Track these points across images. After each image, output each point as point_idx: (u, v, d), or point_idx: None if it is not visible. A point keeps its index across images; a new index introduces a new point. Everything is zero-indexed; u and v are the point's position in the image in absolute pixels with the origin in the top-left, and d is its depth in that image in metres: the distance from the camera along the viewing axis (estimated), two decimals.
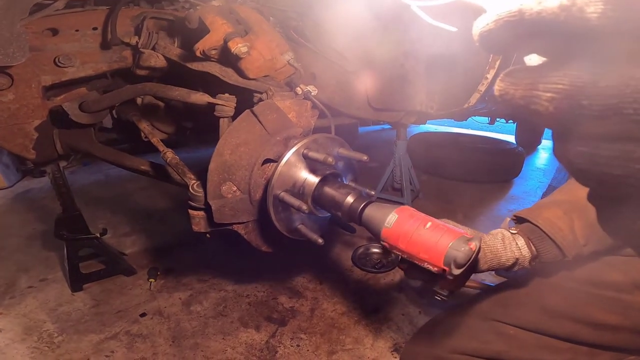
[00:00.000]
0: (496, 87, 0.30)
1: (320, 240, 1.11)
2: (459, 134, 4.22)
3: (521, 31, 0.27)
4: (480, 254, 1.00)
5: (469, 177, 3.41)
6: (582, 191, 0.36)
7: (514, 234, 1.04)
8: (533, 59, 0.33)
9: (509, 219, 1.10)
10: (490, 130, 5.27)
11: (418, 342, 1.25)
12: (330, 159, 1.07)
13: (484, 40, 0.29)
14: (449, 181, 3.48)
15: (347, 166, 1.24)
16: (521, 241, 1.02)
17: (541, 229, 1.00)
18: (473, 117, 3.48)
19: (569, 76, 0.25)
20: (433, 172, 3.57)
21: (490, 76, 1.78)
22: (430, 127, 5.27)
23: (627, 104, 0.22)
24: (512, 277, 1.18)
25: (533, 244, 1.02)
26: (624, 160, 0.23)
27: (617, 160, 0.23)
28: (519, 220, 1.09)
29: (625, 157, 0.23)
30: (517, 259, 1.01)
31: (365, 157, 1.15)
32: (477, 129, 4.43)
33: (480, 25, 0.29)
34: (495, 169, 3.44)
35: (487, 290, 1.20)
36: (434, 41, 1.82)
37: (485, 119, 4.20)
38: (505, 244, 1.02)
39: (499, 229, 1.08)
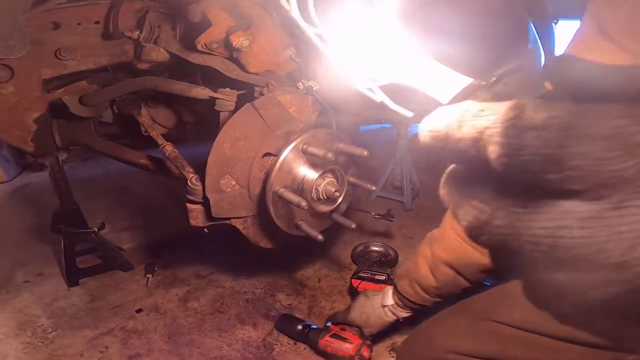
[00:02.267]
0: (440, 189, 0.33)
1: (320, 237, 1.10)
2: None
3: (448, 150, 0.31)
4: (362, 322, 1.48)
5: None
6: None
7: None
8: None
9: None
10: None
11: (414, 342, 1.24)
12: (330, 155, 1.06)
13: (424, 146, 0.32)
14: None
15: (348, 161, 1.24)
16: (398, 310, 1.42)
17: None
18: None
19: (476, 210, 0.29)
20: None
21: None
22: None
23: (514, 243, 0.27)
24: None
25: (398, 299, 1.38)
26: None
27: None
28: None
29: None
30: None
31: (365, 153, 1.14)
32: None
33: (422, 133, 0.32)
34: None
35: (484, 290, 1.20)
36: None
37: None
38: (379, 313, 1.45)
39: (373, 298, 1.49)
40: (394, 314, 1.44)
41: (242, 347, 1.67)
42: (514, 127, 0.22)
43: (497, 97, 0.30)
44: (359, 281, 1.76)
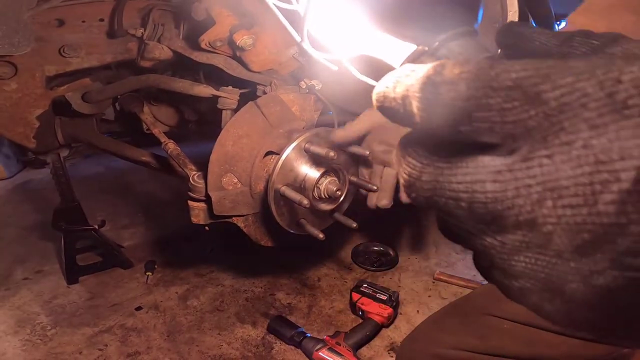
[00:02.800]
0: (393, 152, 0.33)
1: (321, 236, 1.10)
2: None
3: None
4: None
5: None
6: None
7: None
8: None
9: None
10: None
11: (414, 340, 1.24)
12: (331, 154, 1.06)
13: (376, 108, 0.32)
14: None
15: (350, 161, 1.24)
16: None
17: None
18: None
19: (409, 166, 0.27)
20: None
21: None
22: None
23: (439, 200, 0.25)
24: None
25: None
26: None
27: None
28: None
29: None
30: None
31: (367, 152, 1.14)
32: None
33: (372, 97, 0.33)
34: None
35: (483, 286, 1.20)
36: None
37: None
38: None
39: None
40: None
41: (241, 345, 1.67)
42: (431, 83, 0.22)
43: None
44: (359, 295, 1.77)
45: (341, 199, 1.23)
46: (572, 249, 0.21)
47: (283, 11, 0.48)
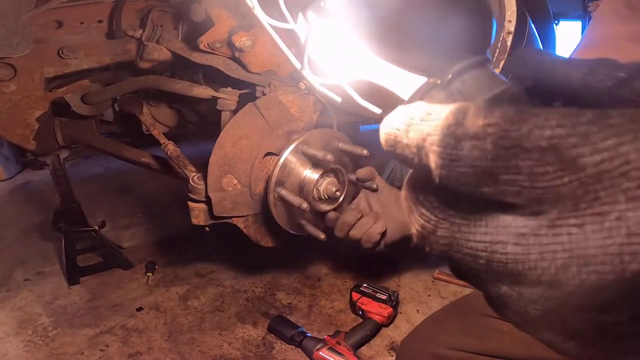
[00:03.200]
0: (402, 190, 0.32)
1: (322, 236, 1.11)
2: None
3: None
4: None
5: None
6: None
7: None
8: None
9: None
10: None
11: (414, 340, 1.24)
12: (329, 157, 1.07)
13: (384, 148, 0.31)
14: None
15: (349, 161, 1.25)
16: None
17: None
18: None
19: (423, 218, 0.26)
20: None
21: None
22: None
23: (455, 255, 0.24)
24: None
25: None
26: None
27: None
28: None
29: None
30: None
31: (365, 152, 1.15)
32: None
33: (380, 135, 0.31)
34: None
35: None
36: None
37: None
38: None
39: None
40: None
41: (242, 345, 1.67)
42: (452, 136, 0.21)
43: (453, 97, 0.28)
44: (360, 295, 1.77)
45: (341, 199, 1.23)
46: (593, 305, 0.21)
47: (280, 31, 0.46)
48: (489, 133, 0.21)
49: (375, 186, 1.18)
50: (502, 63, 1.75)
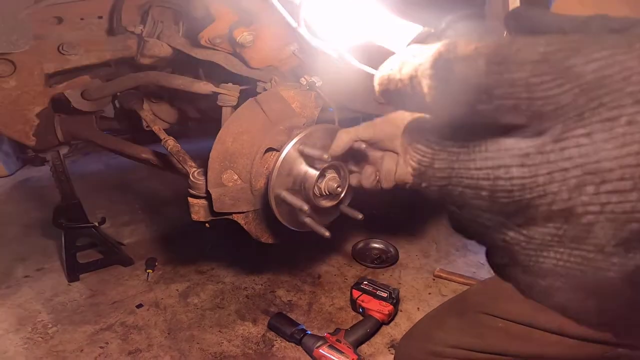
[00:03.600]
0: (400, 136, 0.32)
1: (327, 233, 1.10)
2: None
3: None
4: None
5: None
6: None
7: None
8: None
9: None
10: None
11: (412, 337, 1.24)
12: (325, 156, 1.06)
13: (377, 93, 0.30)
14: None
15: (350, 155, 1.23)
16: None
17: None
18: None
19: (419, 153, 0.26)
20: None
21: None
22: None
23: (455, 189, 0.23)
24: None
25: None
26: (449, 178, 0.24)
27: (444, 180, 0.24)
28: None
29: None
30: None
31: (363, 146, 1.14)
32: None
33: (374, 81, 0.30)
34: None
35: (478, 284, 1.20)
36: None
37: None
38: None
39: None
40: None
41: (242, 342, 1.67)
42: (443, 60, 0.21)
43: None
44: (360, 293, 1.77)
45: (342, 195, 1.22)
46: (617, 242, 0.19)
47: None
48: (480, 53, 0.21)
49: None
50: None
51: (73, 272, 2.05)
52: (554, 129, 0.20)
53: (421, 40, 0.32)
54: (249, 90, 1.46)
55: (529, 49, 0.20)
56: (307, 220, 1.13)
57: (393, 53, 0.38)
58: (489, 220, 0.23)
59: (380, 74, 0.29)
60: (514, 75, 0.20)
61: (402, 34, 0.34)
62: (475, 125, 0.22)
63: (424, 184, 0.26)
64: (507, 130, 0.21)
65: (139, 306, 1.88)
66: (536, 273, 0.22)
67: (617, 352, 0.96)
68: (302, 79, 1.36)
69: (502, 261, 0.25)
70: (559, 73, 0.19)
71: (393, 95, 0.27)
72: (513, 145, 0.21)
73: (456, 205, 0.25)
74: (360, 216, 1.15)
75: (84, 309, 1.87)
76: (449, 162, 0.24)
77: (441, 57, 0.22)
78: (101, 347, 1.66)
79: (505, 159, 0.21)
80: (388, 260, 2.13)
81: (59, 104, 1.71)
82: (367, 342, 1.64)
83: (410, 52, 0.26)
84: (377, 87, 0.29)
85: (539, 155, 0.20)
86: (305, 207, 1.08)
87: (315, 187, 1.20)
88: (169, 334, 1.72)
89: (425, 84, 0.23)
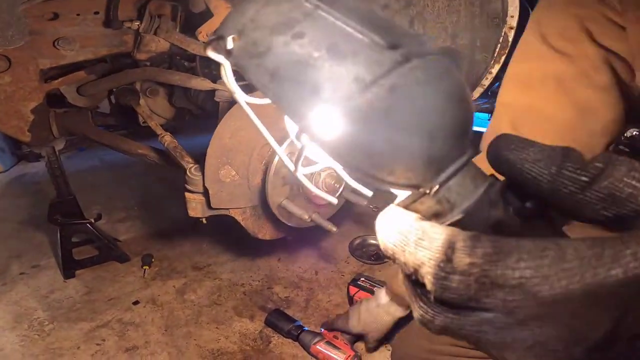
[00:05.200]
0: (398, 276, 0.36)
1: (334, 229, 1.10)
2: None
3: None
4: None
5: None
6: None
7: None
8: None
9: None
10: None
11: (410, 334, 1.24)
12: (306, 217, 1.07)
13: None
14: None
15: None
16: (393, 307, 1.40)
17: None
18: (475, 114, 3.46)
19: (422, 310, 0.32)
20: None
21: (494, 71, 1.77)
22: None
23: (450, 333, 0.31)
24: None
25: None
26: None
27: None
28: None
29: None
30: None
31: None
32: (478, 125, 4.44)
33: (379, 241, 0.34)
34: None
35: None
36: (439, 34, 1.81)
37: (486, 115, 4.17)
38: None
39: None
40: (389, 313, 1.43)
41: (239, 339, 1.66)
42: (443, 271, 0.24)
43: (440, 204, 0.31)
44: (357, 289, 1.76)
45: (340, 191, 1.22)
46: None
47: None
48: (472, 273, 0.27)
49: None
50: (502, 58, 1.74)
51: (69, 268, 2.04)
52: (518, 314, 0.27)
53: (415, 200, 0.35)
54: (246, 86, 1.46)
55: (509, 273, 0.27)
56: (314, 216, 1.13)
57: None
58: (478, 346, 0.31)
59: (384, 244, 0.34)
60: (496, 294, 0.28)
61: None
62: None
63: (428, 329, 0.33)
64: (486, 309, 0.29)
65: (136, 303, 1.87)
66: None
67: None
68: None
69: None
70: (526, 298, 0.27)
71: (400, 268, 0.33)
72: (491, 318, 0.28)
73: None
74: (334, 229, 1.16)
75: (80, 306, 1.86)
76: (446, 322, 0.31)
77: (441, 268, 0.29)
78: (98, 344, 1.66)
79: (485, 327, 0.29)
80: (385, 256, 2.13)
81: (55, 100, 1.70)
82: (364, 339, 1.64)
83: (412, 233, 0.32)
84: (382, 249, 0.34)
85: (506, 330, 0.28)
86: (306, 215, 1.10)
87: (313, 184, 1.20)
88: (165, 330, 1.72)
89: (427, 282, 0.30)
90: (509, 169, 0.33)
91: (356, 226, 2.34)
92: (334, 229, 1.09)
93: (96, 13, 1.66)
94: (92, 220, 2.03)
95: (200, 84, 1.38)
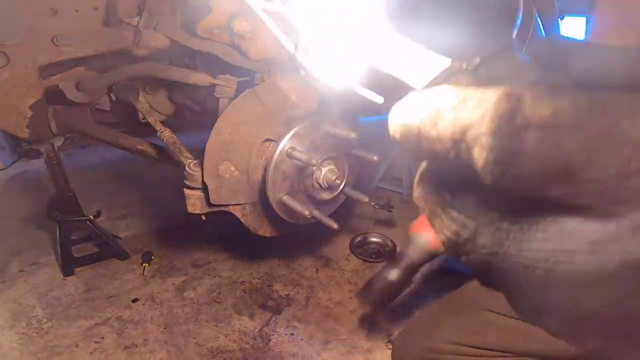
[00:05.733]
0: (414, 189, 0.29)
1: (335, 226, 1.09)
2: None
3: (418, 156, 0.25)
4: None
5: None
6: None
7: None
8: None
9: None
10: None
11: (410, 333, 1.23)
12: (313, 161, 1.05)
13: (394, 141, 0.27)
14: None
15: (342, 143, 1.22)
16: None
17: None
18: None
19: (456, 224, 0.23)
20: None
21: None
22: None
23: (501, 264, 0.22)
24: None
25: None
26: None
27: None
28: None
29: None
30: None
31: (353, 135, 1.14)
32: None
33: (391, 127, 0.27)
34: None
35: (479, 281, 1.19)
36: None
37: None
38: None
39: None
40: None
41: (238, 337, 1.65)
42: (508, 125, 0.18)
43: (480, 82, 0.25)
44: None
45: (341, 186, 1.21)
46: None
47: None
48: (561, 123, 0.18)
49: (375, 158, 1.18)
50: None
51: (68, 266, 2.03)
52: (628, 215, 0.18)
53: (450, 77, 0.29)
54: (246, 82, 1.45)
55: (628, 122, 0.17)
56: (316, 212, 1.12)
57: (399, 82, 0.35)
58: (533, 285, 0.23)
59: (401, 121, 0.25)
60: (607, 157, 0.18)
61: (420, 64, 0.30)
62: (534, 201, 0.20)
63: (463, 256, 0.24)
64: (570, 209, 0.19)
65: (135, 300, 1.86)
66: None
67: None
68: (301, 70, 1.34)
69: (527, 313, 0.24)
70: None
71: (420, 152, 0.24)
72: (577, 228, 0.19)
73: (499, 275, 0.23)
74: (335, 226, 1.13)
75: (79, 304, 1.85)
76: (497, 239, 0.22)
77: (506, 121, 0.20)
78: (97, 342, 1.64)
79: (569, 243, 0.20)
80: (386, 254, 2.12)
81: (53, 96, 1.69)
82: (365, 337, 1.63)
83: (446, 100, 0.23)
84: (395, 135, 0.26)
85: (611, 244, 0.18)
86: (307, 212, 1.08)
87: (314, 181, 1.18)
88: (165, 328, 1.70)
89: (478, 155, 0.21)
90: (577, 60, 0.27)
91: (357, 224, 2.33)
92: (335, 225, 1.08)
93: (95, 9, 1.65)
94: (92, 217, 2.02)
95: (201, 79, 1.36)
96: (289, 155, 1.10)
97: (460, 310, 1.12)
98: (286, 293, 1.88)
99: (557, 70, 0.28)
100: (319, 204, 1.21)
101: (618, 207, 0.17)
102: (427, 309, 1.23)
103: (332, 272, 2.02)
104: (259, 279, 1.98)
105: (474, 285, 1.16)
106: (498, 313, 1.04)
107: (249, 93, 1.18)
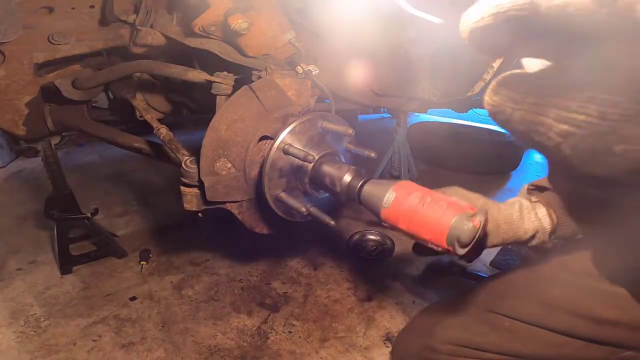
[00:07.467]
0: (487, 100, 0.23)
1: (332, 222, 1.08)
2: (459, 124, 4.19)
3: (528, 30, 0.20)
4: (492, 227, 0.92)
5: (467, 168, 3.38)
6: None
7: (534, 202, 0.97)
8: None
9: (527, 186, 1.03)
10: (490, 123, 5.21)
11: (411, 332, 1.23)
12: (310, 157, 1.04)
13: (476, 38, 0.21)
14: (447, 171, 3.45)
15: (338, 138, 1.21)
16: (542, 211, 0.95)
17: None
18: (474, 109, 3.45)
19: (597, 103, 0.18)
20: (431, 161, 3.55)
21: (496, 65, 1.74)
22: (430, 117, 5.23)
23: None
24: (507, 268, 1.16)
25: (555, 214, 0.95)
26: None
27: None
28: (538, 189, 1.02)
29: None
30: (537, 231, 0.94)
31: (350, 131, 1.13)
32: (478, 121, 4.41)
33: (472, 19, 0.21)
34: (494, 161, 3.41)
35: (483, 281, 1.18)
36: (440, 28, 1.78)
37: (486, 111, 4.16)
38: (523, 214, 0.94)
39: (517, 198, 1.00)
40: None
41: (236, 335, 1.65)
42: None
43: None
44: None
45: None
46: None
47: None
48: None
49: (373, 154, 1.09)
50: None
51: (66, 264, 2.03)
52: None
53: None
54: (243, 79, 1.44)
55: None
56: (312, 209, 1.11)
57: None
58: None
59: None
60: None
61: None
62: None
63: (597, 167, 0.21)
64: None
65: (133, 299, 1.86)
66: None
67: (622, 356, 0.95)
68: (298, 67, 1.33)
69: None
70: None
71: (527, 36, 0.19)
72: None
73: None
74: (332, 222, 1.11)
75: (77, 302, 1.85)
76: None
77: None
78: (94, 341, 1.64)
79: None
80: (384, 252, 2.12)
81: (50, 94, 1.68)
82: (363, 335, 1.63)
83: None
84: (489, 21, 0.20)
85: None
86: (303, 208, 1.07)
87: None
88: (162, 326, 1.70)
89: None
90: None
91: (355, 222, 2.33)
92: (332, 222, 1.07)
93: (92, 7, 1.64)
94: (89, 215, 2.01)
95: (197, 76, 1.35)
96: (286, 152, 1.09)
97: (463, 310, 1.11)
98: (284, 291, 1.88)
99: None
100: (316, 201, 1.20)
101: None
102: (428, 308, 1.23)
103: (330, 270, 2.01)
104: (257, 276, 1.97)
105: (480, 286, 1.15)
106: (504, 315, 1.04)
107: (245, 90, 1.17)
